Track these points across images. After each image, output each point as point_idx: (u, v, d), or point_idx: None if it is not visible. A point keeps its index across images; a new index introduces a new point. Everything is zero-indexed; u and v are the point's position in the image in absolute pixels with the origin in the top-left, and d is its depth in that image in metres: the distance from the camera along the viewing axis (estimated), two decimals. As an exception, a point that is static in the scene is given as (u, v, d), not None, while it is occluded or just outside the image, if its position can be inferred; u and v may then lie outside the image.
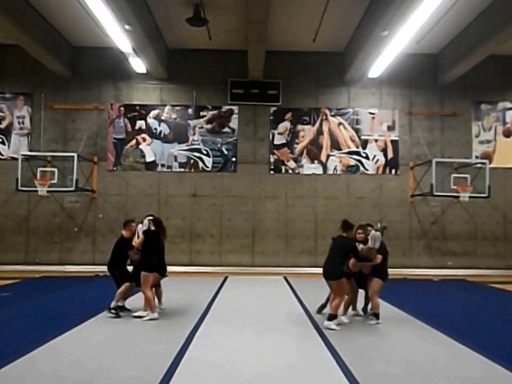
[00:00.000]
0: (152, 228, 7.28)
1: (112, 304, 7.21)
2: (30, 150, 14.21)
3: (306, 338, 6.06)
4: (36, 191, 12.96)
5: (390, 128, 14.82)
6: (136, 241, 7.23)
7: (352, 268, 6.77)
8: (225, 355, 5.20)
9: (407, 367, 4.86)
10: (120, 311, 7.23)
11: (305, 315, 7.45)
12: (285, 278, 12.42)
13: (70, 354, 5.19)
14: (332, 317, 6.51)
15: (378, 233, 6.67)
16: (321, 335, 6.14)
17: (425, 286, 11.61)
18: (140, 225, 7.35)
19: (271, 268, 14.05)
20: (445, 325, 6.71)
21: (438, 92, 14.84)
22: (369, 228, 6.94)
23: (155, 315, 7.06)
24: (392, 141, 14.69)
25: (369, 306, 7.21)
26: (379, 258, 6.68)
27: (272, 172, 14.79)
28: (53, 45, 13.30)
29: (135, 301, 7.82)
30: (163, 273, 7.57)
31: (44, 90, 14.56)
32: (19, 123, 14.63)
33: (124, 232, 7.53)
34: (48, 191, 13.09)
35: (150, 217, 7.46)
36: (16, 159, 13.50)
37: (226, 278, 12.43)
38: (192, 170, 14.75)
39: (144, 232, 7.18)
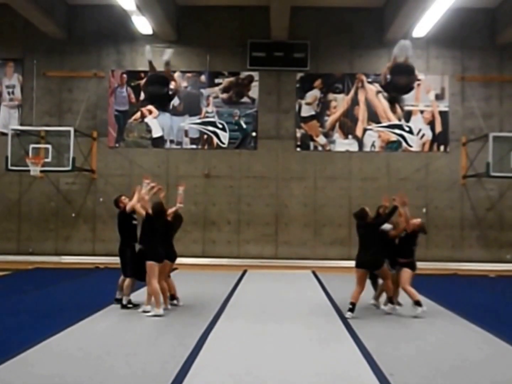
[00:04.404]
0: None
1: (124, 301, 7.54)
2: (21, 124, 14.27)
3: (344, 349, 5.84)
4: (28, 171, 12.96)
5: (439, 97, 14.62)
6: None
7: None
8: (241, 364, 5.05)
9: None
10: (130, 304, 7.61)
11: (339, 318, 7.27)
12: (314, 273, 12.41)
13: (68, 355, 5.21)
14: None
15: None
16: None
17: (479, 283, 11.52)
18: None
19: (297, 260, 13.96)
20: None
21: (496, 54, 14.51)
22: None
23: (160, 311, 7.05)
24: (441, 112, 14.52)
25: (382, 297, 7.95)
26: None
27: (298, 149, 14.64)
28: (46, 3, 13.20)
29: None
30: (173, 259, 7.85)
31: (37, 55, 14.55)
32: (8, 93, 14.68)
33: (122, 205, 7.82)
34: (41, 171, 13.10)
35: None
36: (6, 134, 13.55)
37: (245, 271, 12.46)
38: (206, 147, 14.62)
39: (154, 206, 7.30)
